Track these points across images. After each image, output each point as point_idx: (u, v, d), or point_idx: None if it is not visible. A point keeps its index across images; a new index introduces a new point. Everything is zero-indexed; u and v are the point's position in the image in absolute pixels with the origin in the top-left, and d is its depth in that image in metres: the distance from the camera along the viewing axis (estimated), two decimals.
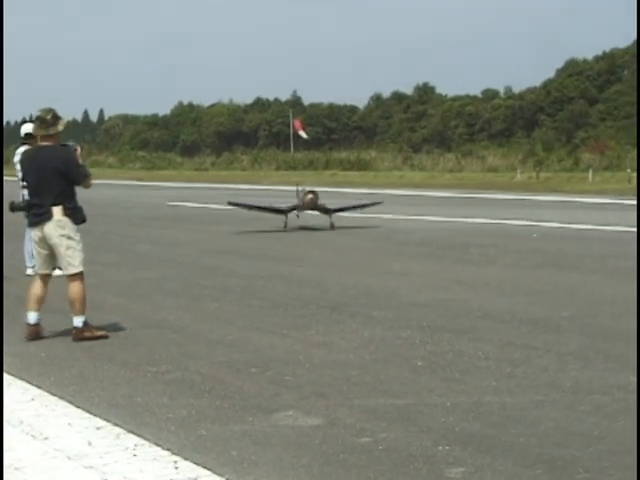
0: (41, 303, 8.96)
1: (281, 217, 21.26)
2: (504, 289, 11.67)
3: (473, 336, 8.65)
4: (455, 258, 15.17)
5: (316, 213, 21.51)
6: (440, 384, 6.93)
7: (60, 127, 8.92)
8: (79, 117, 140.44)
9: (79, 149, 9.22)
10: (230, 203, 22.90)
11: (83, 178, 8.98)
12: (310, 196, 21.14)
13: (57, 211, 8.77)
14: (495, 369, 7.34)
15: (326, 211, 21.33)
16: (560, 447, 5.42)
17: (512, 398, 6.51)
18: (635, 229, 17.52)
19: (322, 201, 21.48)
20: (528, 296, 11.03)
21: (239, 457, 5.39)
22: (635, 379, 6.80)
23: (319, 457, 5.37)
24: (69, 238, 8.79)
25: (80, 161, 9.09)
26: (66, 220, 8.80)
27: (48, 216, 8.76)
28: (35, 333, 8.86)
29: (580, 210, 26.41)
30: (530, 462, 5.18)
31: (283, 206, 21.65)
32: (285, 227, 20.83)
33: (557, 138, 76.53)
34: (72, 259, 8.81)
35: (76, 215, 8.89)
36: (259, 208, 22.47)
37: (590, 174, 43.47)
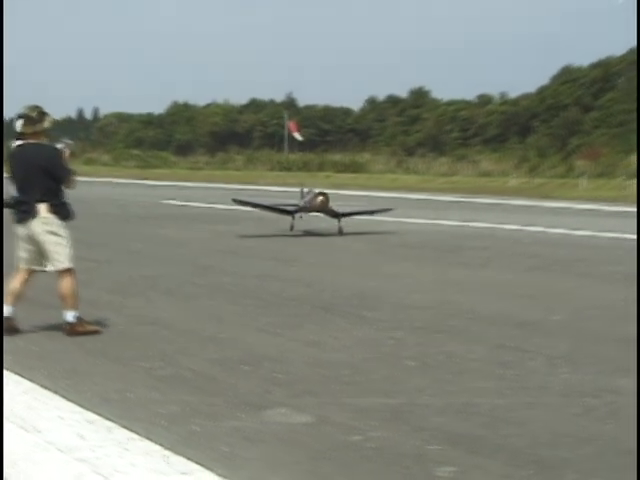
0: (19, 298, 8.96)
1: (287, 218, 20.40)
2: (496, 292, 11.71)
3: (465, 338, 8.68)
4: (448, 261, 15.21)
5: (321, 215, 20.62)
6: (431, 384, 6.96)
7: (46, 124, 8.87)
8: (74, 115, 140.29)
9: (67, 152, 9.08)
10: (235, 201, 21.60)
11: (66, 177, 8.91)
12: (321, 198, 20.03)
13: (42, 208, 8.77)
14: (486, 371, 7.37)
15: (335, 215, 20.25)
16: (550, 448, 5.46)
17: (503, 399, 6.54)
18: (630, 235, 17.59)
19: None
20: (520, 299, 11.07)
21: (230, 453, 5.41)
22: (625, 382, 6.84)
23: (310, 454, 5.39)
24: (55, 234, 8.79)
25: (66, 162, 8.99)
26: (52, 217, 8.79)
27: (33, 213, 8.77)
28: (8, 326, 8.82)
29: (572, 216, 26.49)
30: (520, 463, 5.21)
31: (290, 207, 20.64)
32: (291, 229, 19.98)
33: (551, 144, 76.49)
34: (59, 255, 8.81)
35: (62, 212, 8.88)
36: (265, 207, 21.59)
37: (583, 181, 43.55)
